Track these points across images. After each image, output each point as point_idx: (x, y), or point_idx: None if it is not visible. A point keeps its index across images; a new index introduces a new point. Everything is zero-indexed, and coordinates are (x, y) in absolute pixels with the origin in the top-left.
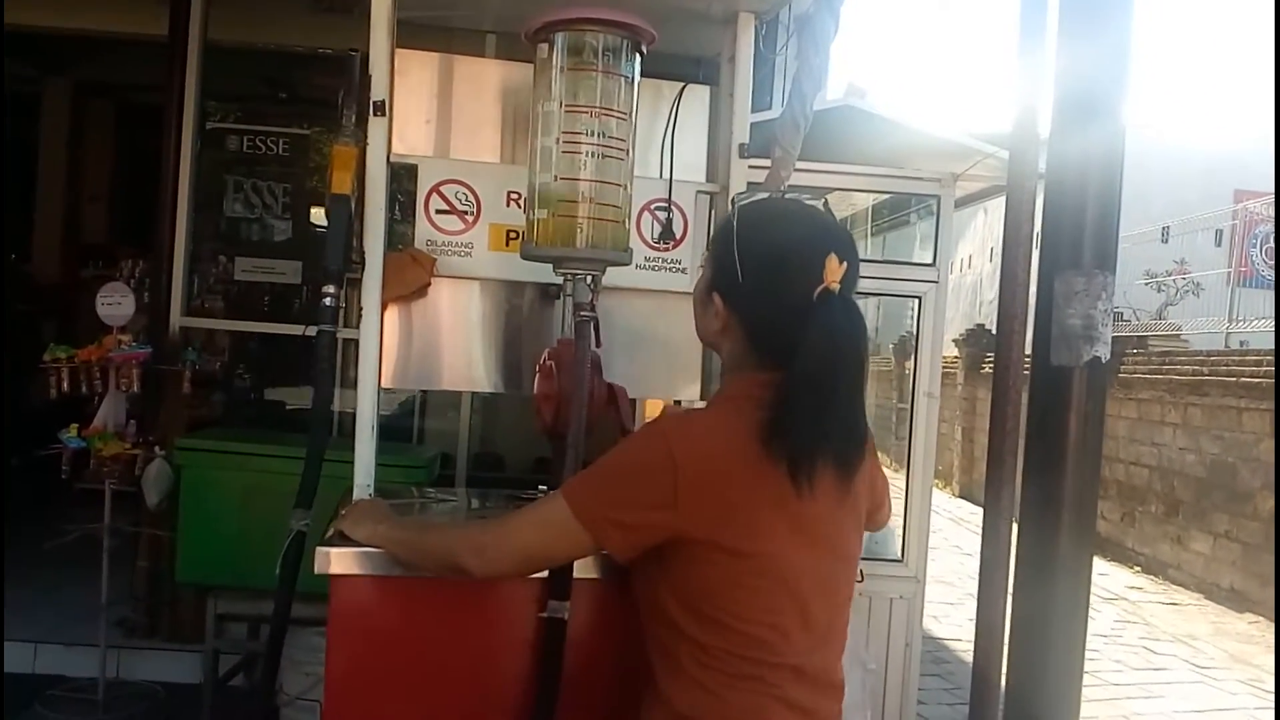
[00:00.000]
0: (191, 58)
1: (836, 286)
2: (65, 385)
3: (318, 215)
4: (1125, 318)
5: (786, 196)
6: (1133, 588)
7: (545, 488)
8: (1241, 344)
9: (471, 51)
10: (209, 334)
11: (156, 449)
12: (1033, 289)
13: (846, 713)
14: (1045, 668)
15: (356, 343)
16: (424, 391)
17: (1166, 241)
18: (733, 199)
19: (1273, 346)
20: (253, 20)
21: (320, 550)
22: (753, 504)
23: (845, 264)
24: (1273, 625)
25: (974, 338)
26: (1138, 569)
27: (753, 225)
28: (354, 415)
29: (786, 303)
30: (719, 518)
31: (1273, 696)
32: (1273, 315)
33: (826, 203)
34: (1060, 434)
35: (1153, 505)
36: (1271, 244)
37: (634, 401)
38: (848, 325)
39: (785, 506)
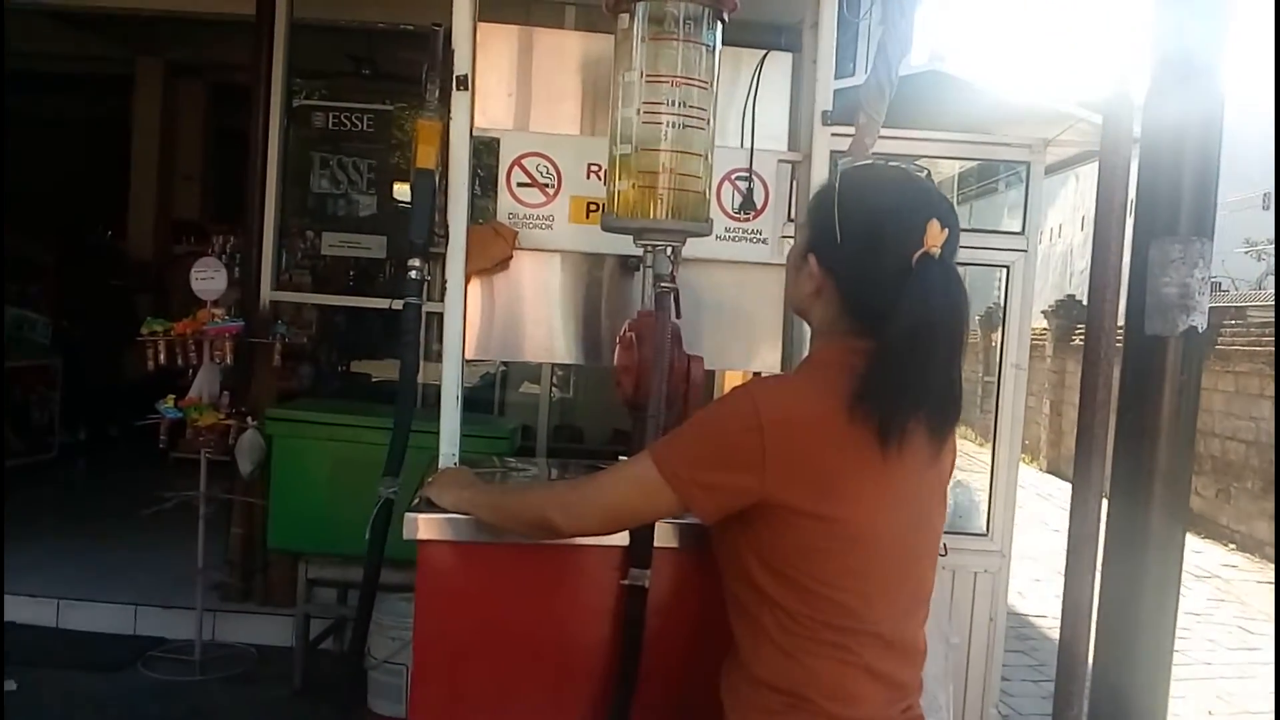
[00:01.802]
0: (279, 36)
1: (937, 251)
2: (162, 358)
3: (401, 190)
4: (1223, 287)
5: (889, 163)
6: (1227, 565)
7: (624, 458)
8: None
9: (551, 24)
10: (296, 308)
11: (249, 419)
12: (1126, 258)
13: (928, 685)
14: (1134, 646)
15: (439, 316)
16: (505, 364)
17: (1267, 208)
18: (836, 163)
19: None
20: None
21: (409, 516)
22: (840, 469)
23: (946, 230)
24: None
25: (1064, 309)
26: (1233, 546)
27: (854, 188)
28: (437, 387)
29: (885, 267)
30: (806, 482)
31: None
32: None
33: (929, 171)
34: (1154, 405)
35: (1249, 481)
36: None
37: (712, 373)
38: (946, 290)
39: (872, 472)
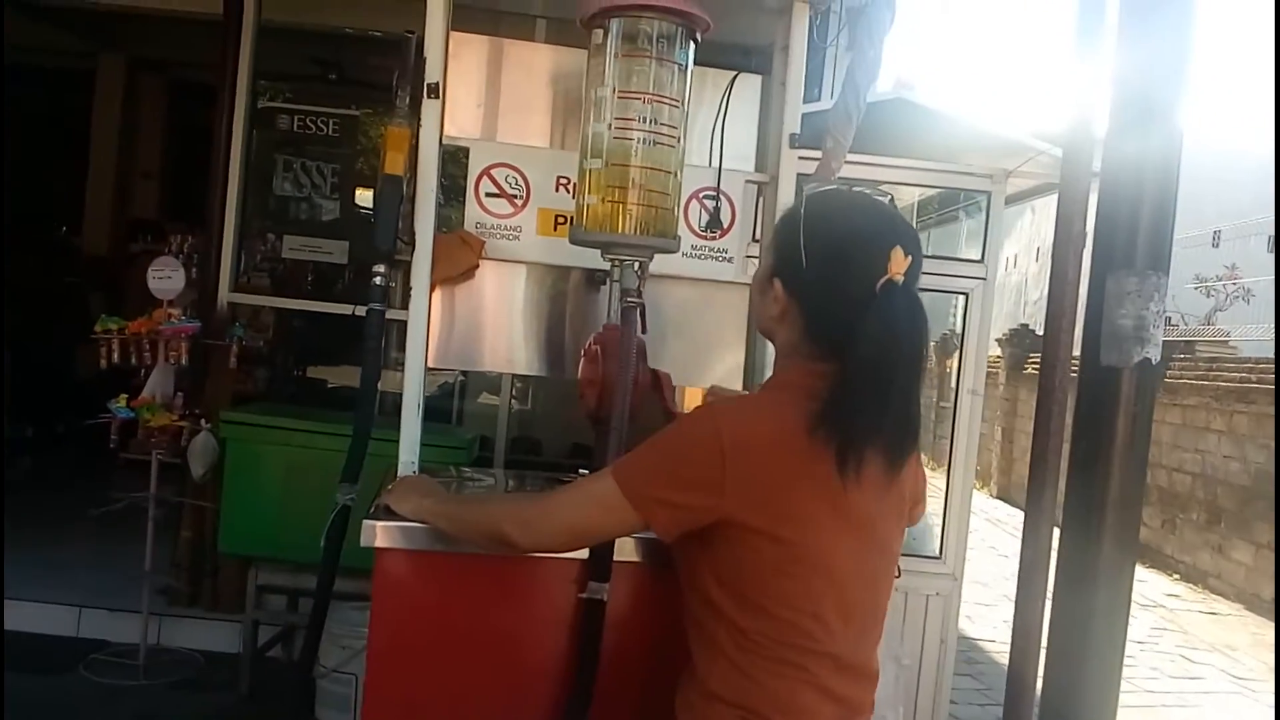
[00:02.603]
0: (245, 36)
1: (900, 279)
2: (115, 356)
3: (364, 196)
4: (1173, 322)
5: (854, 188)
6: (1171, 595)
7: (585, 471)
8: None
9: (522, 36)
10: (254, 310)
11: (203, 421)
12: (1082, 290)
13: (879, 707)
14: (1083, 672)
15: (400, 323)
16: (464, 374)
17: (1218, 246)
18: (801, 186)
19: None
20: (306, 0)
21: (367, 524)
22: (799, 491)
23: (910, 258)
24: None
25: (1017, 338)
26: (1177, 576)
27: (820, 214)
28: (395, 395)
29: (849, 292)
30: (765, 503)
31: (1273, 699)
32: (1273, 322)
33: (892, 198)
34: (1107, 435)
35: (1194, 513)
36: None
37: (676, 389)
38: (909, 317)
39: (831, 496)
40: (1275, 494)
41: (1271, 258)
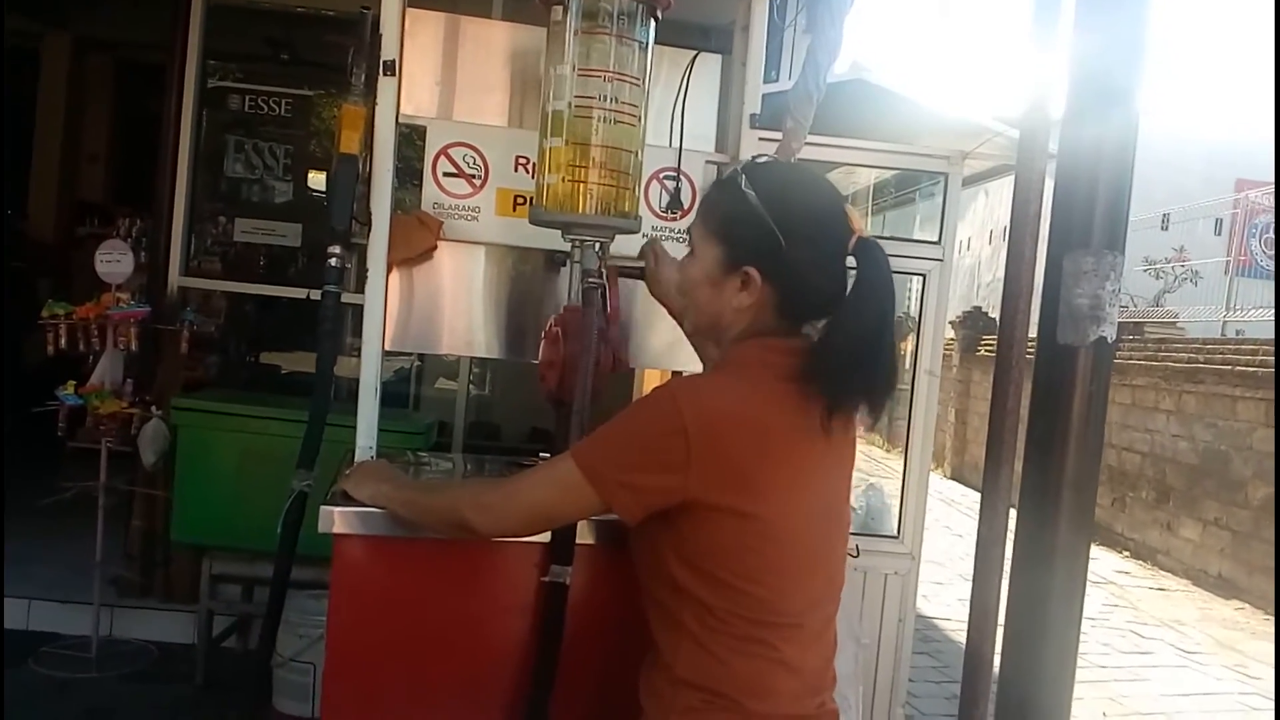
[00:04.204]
0: (194, 15)
1: (866, 232)
2: (63, 342)
3: (318, 179)
4: (1123, 304)
5: (773, 160)
6: (1121, 572)
7: (545, 455)
8: (1238, 333)
9: (479, 13)
10: (205, 295)
11: (153, 408)
12: (1038, 270)
13: (839, 684)
14: (1040, 649)
15: (356, 307)
16: (421, 359)
17: (1167, 229)
18: (723, 173)
19: (1271, 336)
20: None
21: (324, 510)
22: (760, 466)
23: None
24: (1259, 612)
25: (971, 320)
26: (1127, 554)
27: (777, 192)
28: (351, 380)
29: (833, 259)
30: (729, 480)
31: (1272, 691)
32: (1273, 305)
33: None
34: (1064, 413)
35: (1144, 491)
36: (1271, 234)
37: (633, 371)
38: (887, 265)
39: (790, 468)
40: (1275, 490)
41: (1219, 241)
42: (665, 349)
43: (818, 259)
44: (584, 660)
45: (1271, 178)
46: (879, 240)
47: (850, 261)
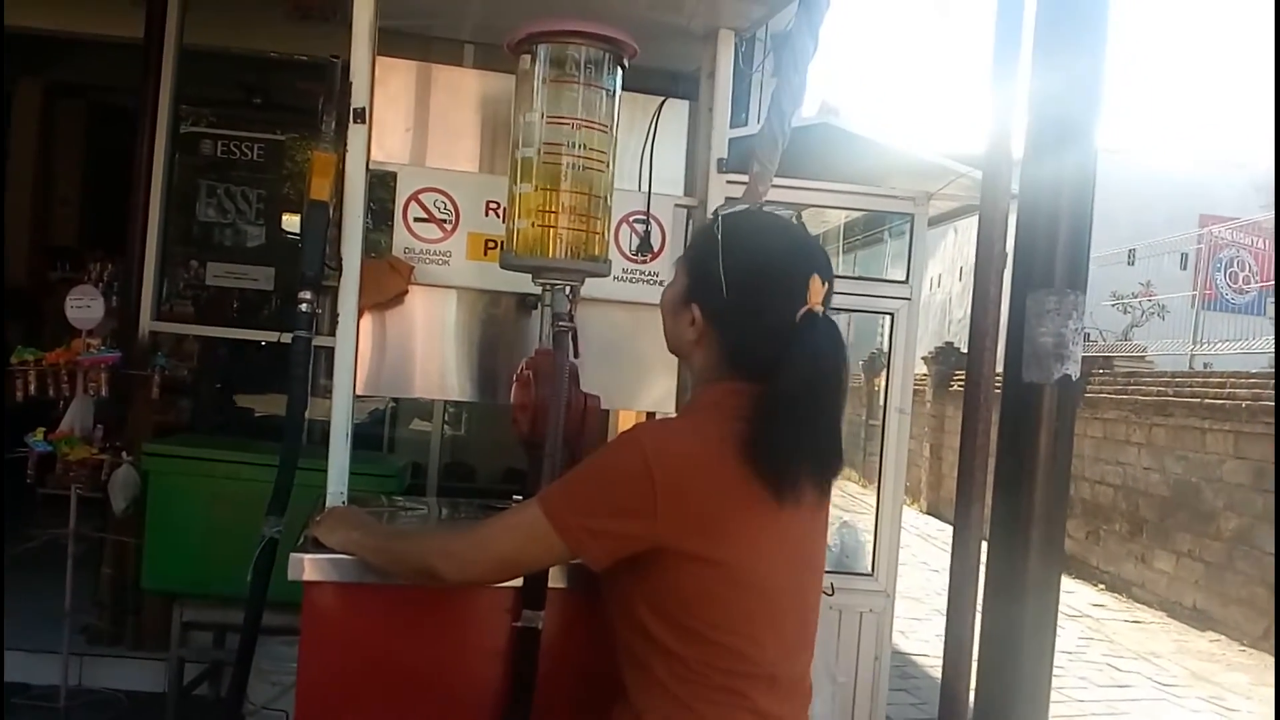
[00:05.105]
0: (167, 60)
1: (820, 308)
2: (32, 388)
3: (290, 222)
4: (1091, 338)
5: (765, 210)
6: (1096, 605)
7: (520, 497)
8: (1205, 366)
9: (450, 61)
10: (178, 339)
11: (124, 454)
12: (1004, 307)
13: None
14: (1015, 683)
15: (328, 350)
16: (395, 401)
17: (1133, 264)
18: (715, 210)
19: (1237, 369)
20: (229, 25)
21: (294, 556)
22: (730, 513)
23: (826, 284)
24: (1235, 643)
25: (943, 356)
26: (1101, 587)
27: (736, 239)
28: (323, 423)
29: (769, 322)
30: (697, 526)
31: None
32: (1273, 333)
33: (799, 216)
34: (1030, 450)
35: (1117, 524)
36: (1235, 268)
37: (608, 413)
38: (830, 346)
39: (760, 515)
40: (1276, 513)
41: (1185, 276)
42: (638, 390)
43: (756, 317)
44: (556, 706)
45: (1234, 214)
46: (840, 284)
47: None
